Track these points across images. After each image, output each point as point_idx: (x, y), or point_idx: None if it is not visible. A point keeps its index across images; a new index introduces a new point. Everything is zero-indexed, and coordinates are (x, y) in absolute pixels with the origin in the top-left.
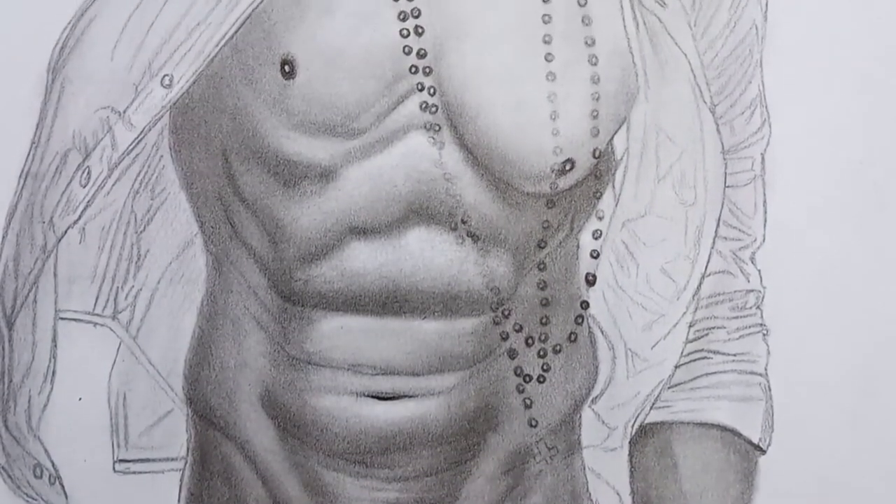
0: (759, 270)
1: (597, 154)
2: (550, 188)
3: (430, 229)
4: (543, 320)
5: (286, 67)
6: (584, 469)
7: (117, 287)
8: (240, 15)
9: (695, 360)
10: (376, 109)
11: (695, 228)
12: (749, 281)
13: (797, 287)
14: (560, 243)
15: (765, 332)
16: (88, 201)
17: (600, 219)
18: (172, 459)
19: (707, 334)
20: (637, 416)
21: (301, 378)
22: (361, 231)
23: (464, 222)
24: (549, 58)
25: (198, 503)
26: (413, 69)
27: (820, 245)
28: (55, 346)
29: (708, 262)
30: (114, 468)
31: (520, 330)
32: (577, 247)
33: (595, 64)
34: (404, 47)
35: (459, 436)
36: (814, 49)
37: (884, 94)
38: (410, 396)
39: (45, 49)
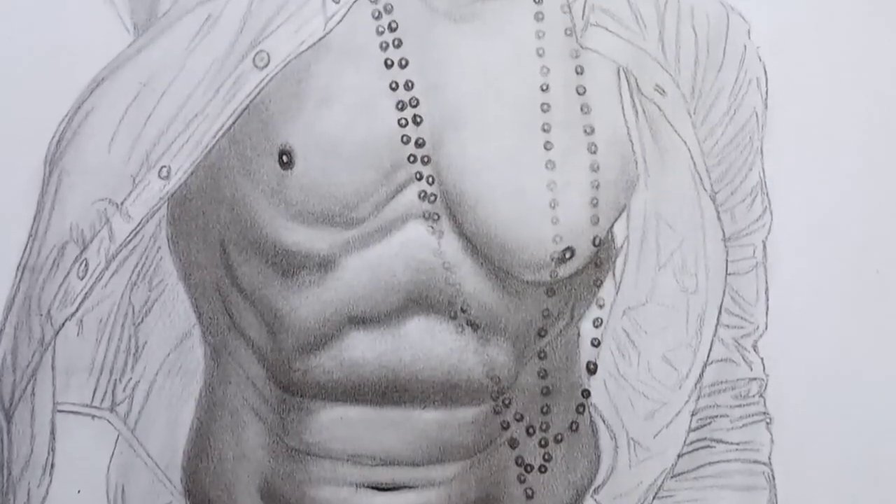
0: (762, 358)
1: (597, 242)
2: (550, 276)
3: (430, 318)
4: (544, 409)
5: (284, 158)
6: None
7: (115, 379)
8: (237, 106)
9: (698, 449)
10: (375, 199)
11: (696, 316)
12: (752, 369)
13: (800, 375)
14: (560, 332)
15: (768, 420)
16: (86, 293)
17: (601, 307)
18: None
19: (710, 423)
20: None
21: (300, 469)
22: (360, 320)
23: (463, 311)
24: (548, 146)
25: None
26: (411, 158)
27: (822, 333)
28: (54, 438)
29: (710, 350)
30: None
31: (521, 419)
32: (578, 335)
33: (594, 152)
34: (402, 136)
35: None
36: (814, 137)
37: (884, 181)
38: (411, 487)
39: (43, 142)
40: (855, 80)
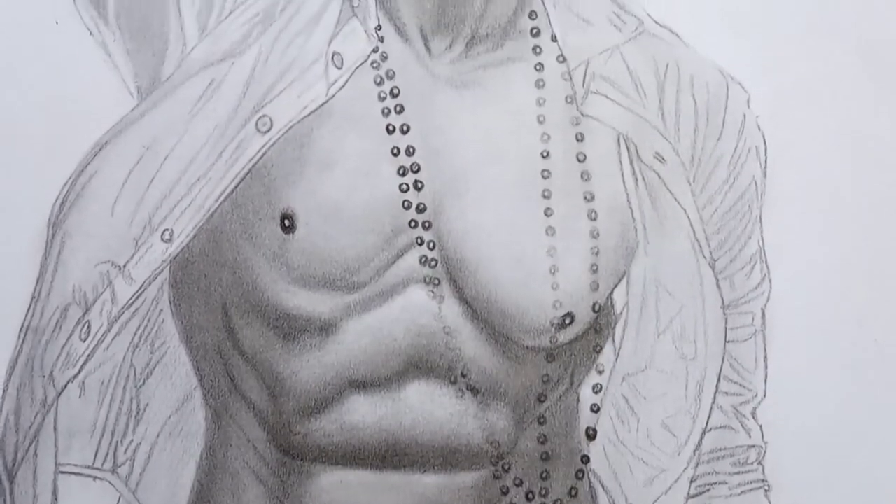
0: (761, 425)
1: (596, 308)
2: (550, 342)
3: (430, 382)
4: (544, 475)
5: (286, 222)
6: None
7: (117, 441)
8: (240, 170)
9: None
10: (376, 263)
11: (695, 383)
12: (750, 436)
13: (799, 442)
14: (560, 397)
15: (766, 487)
16: (88, 355)
17: (600, 373)
18: None
19: (708, 490)
20: None
21: None
22: (361, 384)
23: (463, 376)
24: (548, 212)
25: None
26: (412, 223)
27: (821, 401)
28: (56, 499)
29: (709, 417)
30: None
31: (520, 484)
32: (578, 401)
33: (594, 219)
34: (404, 202)
35: None
36: (813, 205)
37: (882, 251)
38: None
39: (46, 204)
40: (853, 150)
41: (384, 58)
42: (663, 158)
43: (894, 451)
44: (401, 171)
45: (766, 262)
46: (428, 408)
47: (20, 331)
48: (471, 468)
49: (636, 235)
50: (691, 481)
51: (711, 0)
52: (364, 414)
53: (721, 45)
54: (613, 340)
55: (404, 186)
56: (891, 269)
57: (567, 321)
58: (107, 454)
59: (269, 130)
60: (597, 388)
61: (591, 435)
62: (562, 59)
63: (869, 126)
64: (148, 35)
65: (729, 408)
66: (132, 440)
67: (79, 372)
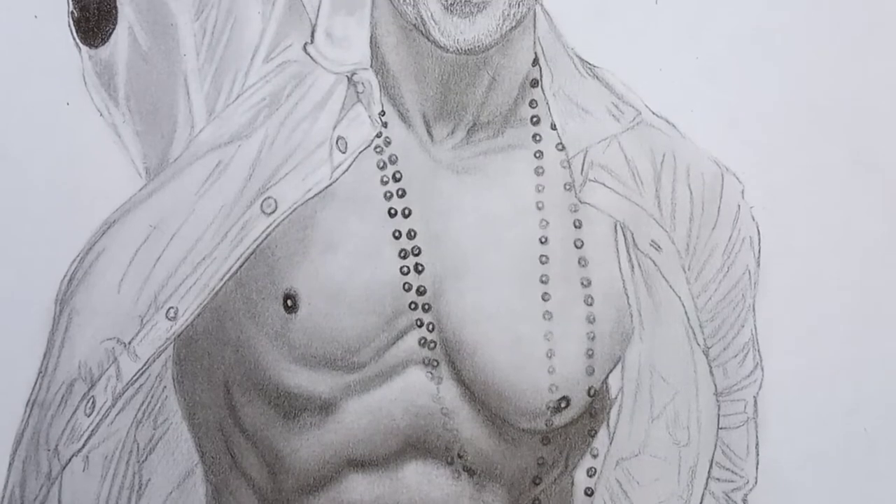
0: None
1: (592, 392)
2: (546, 425)
3: (427, 463)
4: None
5: (289, 302)
6: None
7: None
8: (244, 250)
9: None
10: (376, 344)
11: (688, 469)
12: None
13: None
14: (555, 480)
15: None
16: (92, 430)
17: (595, 456)
18: None
19: None
20: None
21: None
22: (359, 463)
23: (460, 457)
24: (546, 297)
25: None
26: (413, 306)
27: (812, 488)
28: None
29: (701, 502)
30: None
31: None
32: (572, 484)
33: (591, 304)
34: (404, 284)
35: None
36: (805, 296)
37: (873, 341)
38: None
39: (54, 281)
40: (844, 242)
41: (387, 143)
42: (659, 246)
43: None
44: (402, 254)
45: (758, 350)
46: (425, 488)
47: (26, 405)
48: None
49: (631, 321)
50: None
51: (708, 93)
52: (362, 493)
53: (717, 137)
54: (608, 425)
55: (405, 269)
56: (880, 359)
57: (563, 405)
58: None
59: (273, 212)
60: (591, 472)
61: None
62: (561, 147)
63: (859, 219)
64: (157, 117)
65: (721, 494)
66: None
67: (83, 446)
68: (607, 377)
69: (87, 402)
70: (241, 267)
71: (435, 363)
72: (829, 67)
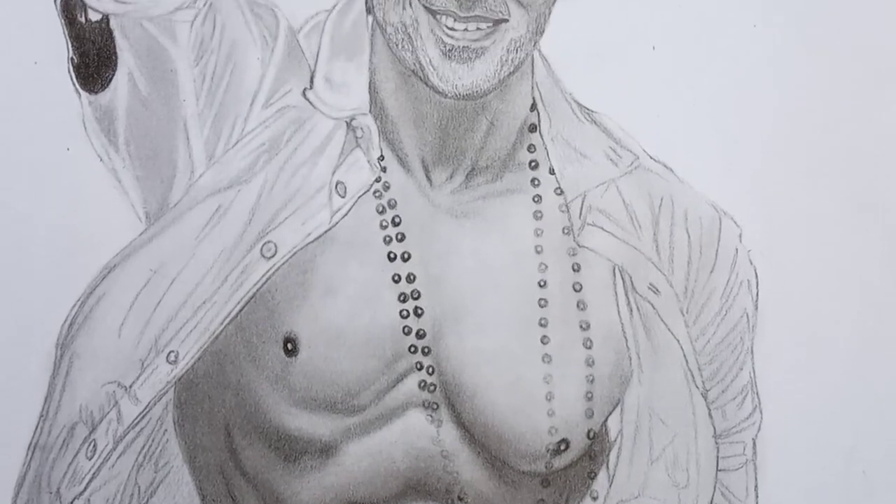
0: None
1: (591, 435)
2: (546, 467)
3: None
4: None
5: (289, 345)
6: None
7: None
8: (244, 294)
9: None
10: (376, 387)
11: None
12: None
13: None
14: None
15: None
16: (94, 473)
17: (594, 499)
18: None
19: None
20: None
21: None
22: None
23: (461, 499)
24: (545, 340)
25: None
26: (412, 349)
27: None
28: None
29: None
30: None
31: None
32: None
33: (590, 347)
34: (404, 327)
35: None
36: (803, 339)
37: (872, 383)
38: None
39: (55, 325)
40: (842, 283)
41: (386, 187)
42: (658, 290)
43: None
44: (401, 298)
45: (757, 393)
46: None
47: (28, 448)
48: None
49: (630, 364)
50: None
51: (705, 137)
52: None
53: (714, 181)
54: (607, 467)
55: (405, 312)
56: (879, 402)
57: (562, 447)
58: None
59: (273, 256)
60: None
61: None
62: (559, 191)
63: (856, 262)
64: (157, 162)
65: None
66: None
67: (85, 489)
68: (606, 420)
69: (89, 445)
70: (241, 311)
71: (435, 406)
72: (826, 111)
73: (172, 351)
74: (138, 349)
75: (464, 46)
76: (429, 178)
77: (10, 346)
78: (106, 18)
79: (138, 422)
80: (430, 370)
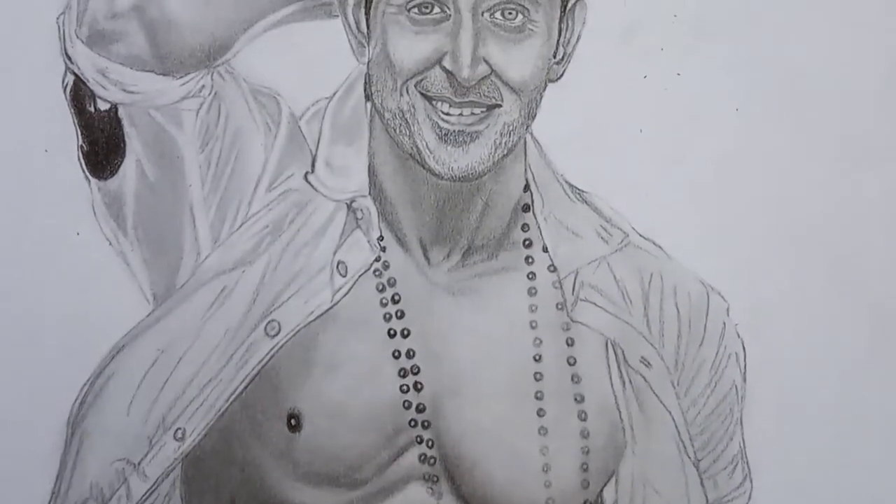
0: None
1: None
2: None
3: None
4: None
5: (292, 421)
6: None
7: None
8: (249, 372)
9: None
10: (378, 461)
11: None
12: None
13: None
14: None
15: None
16: None
17: None
18: None
19: None
20: None
21: None
22: None
23: None
24: (541, 413)
25: None
26: (413, 423)
27: None
28: None
29: None
30: None
31: None
32: None
33: (585, 419)
34: (404, 402)
35: None
36: (791, 408)
37: (859, 449)
38: None
39: (66, 404)
40: (826, 355)
41: (386, 266)
42: (649, 363)
43: None
44: (401, 373)
45: (747, 462)
46: None
47: None
48: None
49: (624, 436)
50: None
51: (691, 215)
52: None
53: (701, 258)
54: None
55: (405, 388)
56: (866, 471)
57: None
58: None
59: (277, 334)
60: None
61: None
62: (553, 268)
63: (840, 334)
64: (164, 245)
65: None
66: None
67: None
68: (602, 490)
69: None
70: (246, 388)
71: (435, 478)
72: (807, 190)
73: (180, 428)
74: (146, 427)
75: (459, 130)
76: (427, 257)
77: (22, 425)
78: (114, 107)
79: (147, 498)
80: (430, 444)
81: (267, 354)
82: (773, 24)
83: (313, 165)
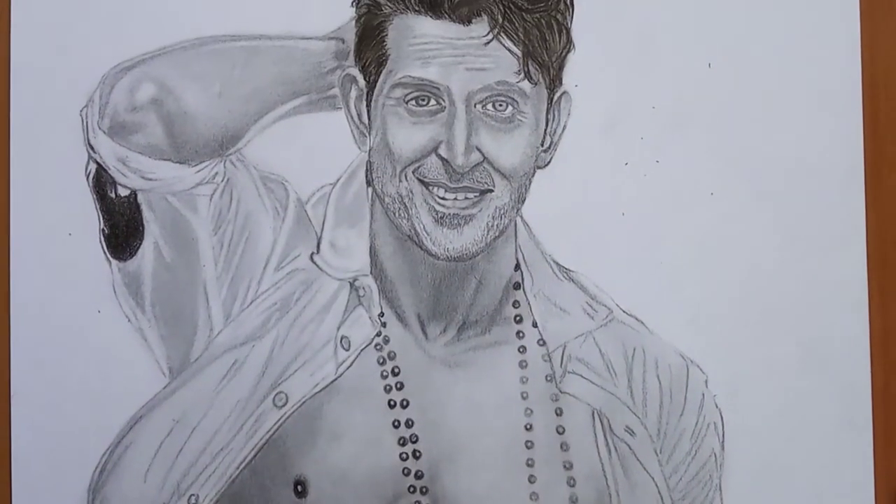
0: None
1: None
2: None
3: None
4: None
5: (299, 487)
6: None
7: None
8: (258, 441)
9: None
10: None
11: None
12: None
13: None
14: None
15: None
16: None
17: None
18: None
19: None
20: None
21: None
22: None
23: None
24: (532, 479)
25: None
26: (411, 489)
27: None
28: None
29: None
30: None
31: None
32: None
33: (573, 486)
34: (403, 469)
35: None
36: (767, 476)
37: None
38: None
39: (87, 472)
40: (799, 423)
41: (386, 341)
42: (633, 432)
43: None
44: (401, 442)
45: None
46: None
47: None
48: None
49: (610, 501)
50: None
51: (671, 294)
52: None
53: (681, 333)
54: None
55: (404, 455)
56: None
57: None
58: None
59: (284, 405)
60: None
61: None
62: (542, 342)
63: (810, 404)
64: (179, 321)
65: None
66: None
67: None
68: None
69: None
70: (255, 456)
71: None
72: (780, 269)
73: (193, 494)
74: (162, 493)
75: (454, 214)
76: (424, 332)
77: (46, 492)
78: (134, 193)
79: None
80: None
81: (275, 424)
82: (744, 115)
83: (318, 246)
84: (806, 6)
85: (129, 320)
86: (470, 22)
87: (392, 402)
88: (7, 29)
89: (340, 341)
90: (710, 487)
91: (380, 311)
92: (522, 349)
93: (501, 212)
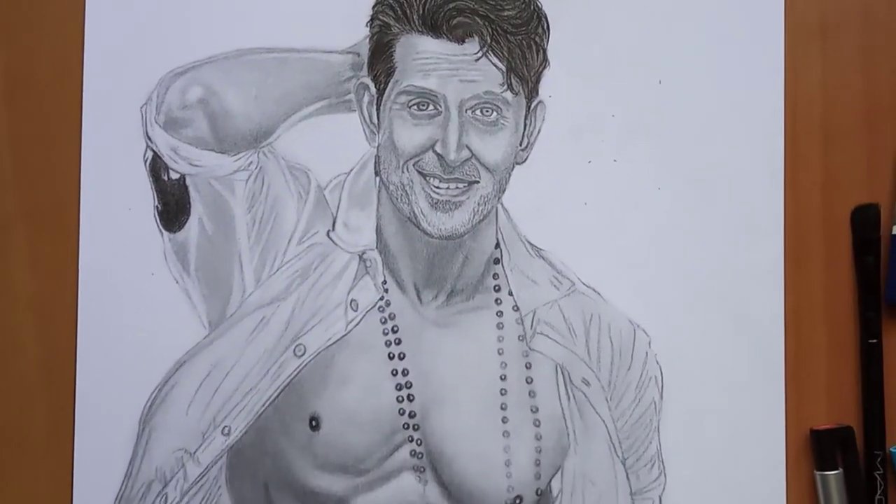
0: None
1: (539, 493)
2: None
3: None
4: None
5: (313, 423)
6: None
7: None
8: (281, 384)
9: None
10: (378, 455)
11: None
12: None
13: None
14: None
15: None
16: None
17: None
18: None
19: None
20: None
21: None
22: None
23: None
24: (504, 420)
25: None
26: (406, 425)
27: None
28: None
29: None
30: None
31: None
32: None
33: (538, 426)
34: (399, 409)
35: None
36: (696, 421)
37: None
38: None
39: (138, 406)
40: (720, 377)
41: (388, 304)
42: (588, 383)
43: None
44: (398, 387)
45: (662, 461)
46: None
47: (115, 499)
48: None
49: (568, 439)
50: None
51: (624, 269)
52: None
53: (630, 302)
54: None
55: (400, 398)
56: (747, 468)
57: (518, 502)
58: None
59: (303, 355)
60: None
61: None
62: (516, 308)
63: (732, 362)
64: (218, 284)
65: None
66: None
67: None
68: (551, 481)
69: (161, 497)
70: (278, 396)
71: (422, 469)
72: (710, 252)
73: (226, 426)
74: (201, 424)
75: (446, 200)
76: (419, 297)
77: (103, 423)
78: (183, 177)
79: (199, 480)
80: (419, 442)
81: (294, 370)
82: (687, 124)
83: (334, 225)
84: (739, 35)
85: (176, 282)
86: (463, 41)
87: (391, 355)
88: (81, 39)
89: (350, 303)
90: (650, 429)
91: (383, 279)
92: (500, 313)
93: (485, 199)
